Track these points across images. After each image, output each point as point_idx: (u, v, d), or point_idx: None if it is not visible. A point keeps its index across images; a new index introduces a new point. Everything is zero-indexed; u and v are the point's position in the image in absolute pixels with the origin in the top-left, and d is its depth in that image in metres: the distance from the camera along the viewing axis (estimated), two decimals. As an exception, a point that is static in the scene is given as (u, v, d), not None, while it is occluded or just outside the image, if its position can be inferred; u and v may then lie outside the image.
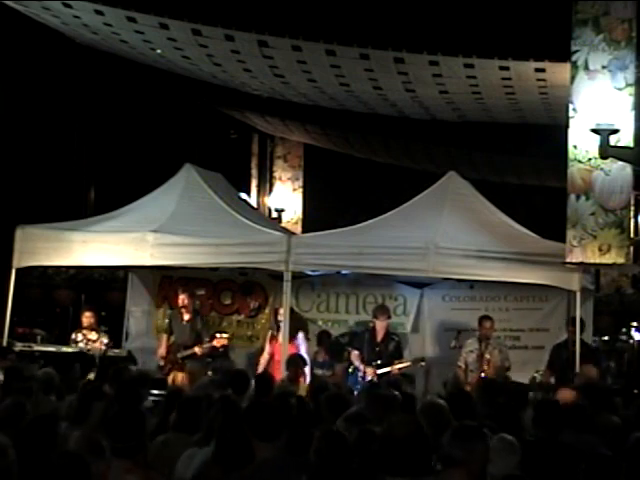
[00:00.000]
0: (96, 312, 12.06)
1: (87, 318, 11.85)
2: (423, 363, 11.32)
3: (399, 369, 11.00)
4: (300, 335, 11.59)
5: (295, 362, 10.35)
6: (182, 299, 11.77)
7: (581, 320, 10.60)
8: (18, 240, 11.45)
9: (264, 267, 11.48)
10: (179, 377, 11.41)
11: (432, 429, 5.13)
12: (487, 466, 4.79)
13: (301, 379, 10.41)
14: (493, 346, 11.15)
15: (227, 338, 11.73)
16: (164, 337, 11.89)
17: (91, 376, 10.14)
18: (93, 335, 11.70)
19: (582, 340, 10.45)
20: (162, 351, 11.72)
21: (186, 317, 11.73)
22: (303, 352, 11.33)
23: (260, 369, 11.37)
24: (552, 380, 10.64)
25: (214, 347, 11.54)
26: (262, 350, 11.98)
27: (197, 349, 11.41)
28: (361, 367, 11.21)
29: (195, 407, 6.43)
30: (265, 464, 5.17)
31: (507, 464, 5.15)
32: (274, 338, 11.64)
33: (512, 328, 12.16)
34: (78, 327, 11.91)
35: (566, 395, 7.55)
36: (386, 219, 11.34)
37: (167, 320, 12.18)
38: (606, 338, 13.38)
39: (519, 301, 12.24)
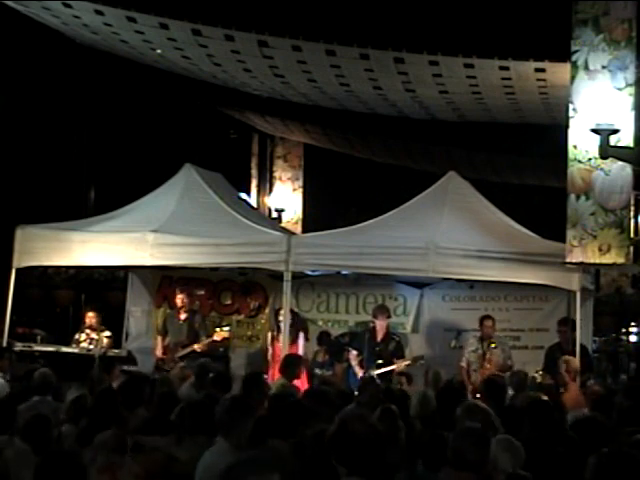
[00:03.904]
0: (99, 312, 12.05)
1: (90, 318, 11.86)
2: (423, 361, 11.31)
3: (395, 369, 11.00)
4: (300, 339, 11.61)
5: (294, 361, 10.25)
6: (180, 299, 11.78)
7: (573, 321, 10.61)
8: (18, 240, 11.45)
9: (264, 267, 11.47)
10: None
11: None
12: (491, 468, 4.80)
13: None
14: (495, 345, 11.16)
15: (228, 331, 11.71)
16: (159, 338, 11.91)
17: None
18: (96, 335, 11.70)
19: (574, 340, 10.45)
20: (157, 352, 11.72)
21: (182, 317, 11.73)
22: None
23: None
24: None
25: (214, 341, 11.52)
26: (266, 351, 11.98)
27: (196, 346, 11.39)
28: (357, 368, 11.22)
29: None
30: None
31: (512, 463, 5.16)
32: (275, 339, 11.62)
33: (512, 328, 12.15)
34: (81, 327, 11.92)
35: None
36: (386, 219, 11.34)
37: (162, 321, 12.20)
38: (606, 338, 13.38)
39: (519, 301, 12.23)
